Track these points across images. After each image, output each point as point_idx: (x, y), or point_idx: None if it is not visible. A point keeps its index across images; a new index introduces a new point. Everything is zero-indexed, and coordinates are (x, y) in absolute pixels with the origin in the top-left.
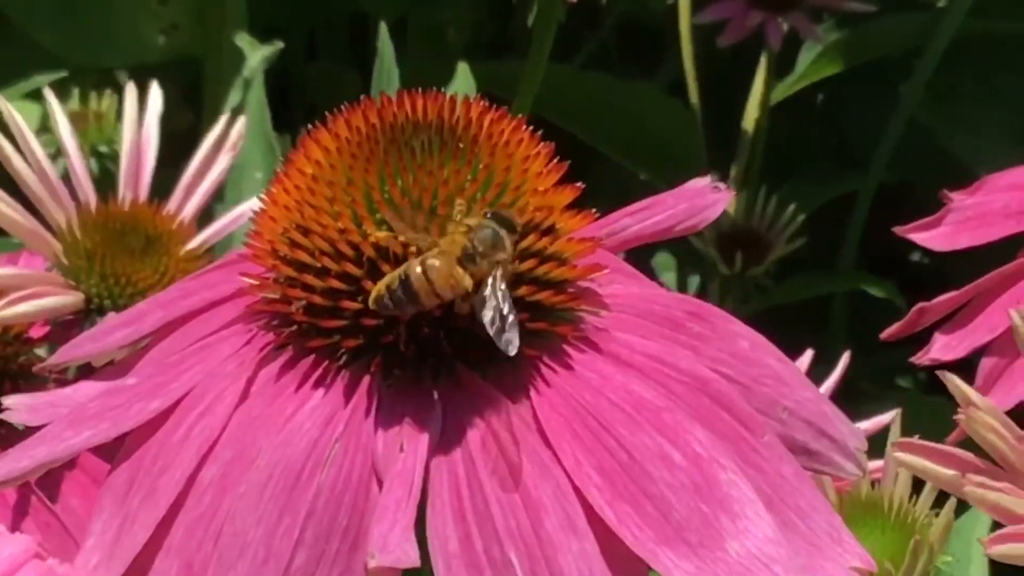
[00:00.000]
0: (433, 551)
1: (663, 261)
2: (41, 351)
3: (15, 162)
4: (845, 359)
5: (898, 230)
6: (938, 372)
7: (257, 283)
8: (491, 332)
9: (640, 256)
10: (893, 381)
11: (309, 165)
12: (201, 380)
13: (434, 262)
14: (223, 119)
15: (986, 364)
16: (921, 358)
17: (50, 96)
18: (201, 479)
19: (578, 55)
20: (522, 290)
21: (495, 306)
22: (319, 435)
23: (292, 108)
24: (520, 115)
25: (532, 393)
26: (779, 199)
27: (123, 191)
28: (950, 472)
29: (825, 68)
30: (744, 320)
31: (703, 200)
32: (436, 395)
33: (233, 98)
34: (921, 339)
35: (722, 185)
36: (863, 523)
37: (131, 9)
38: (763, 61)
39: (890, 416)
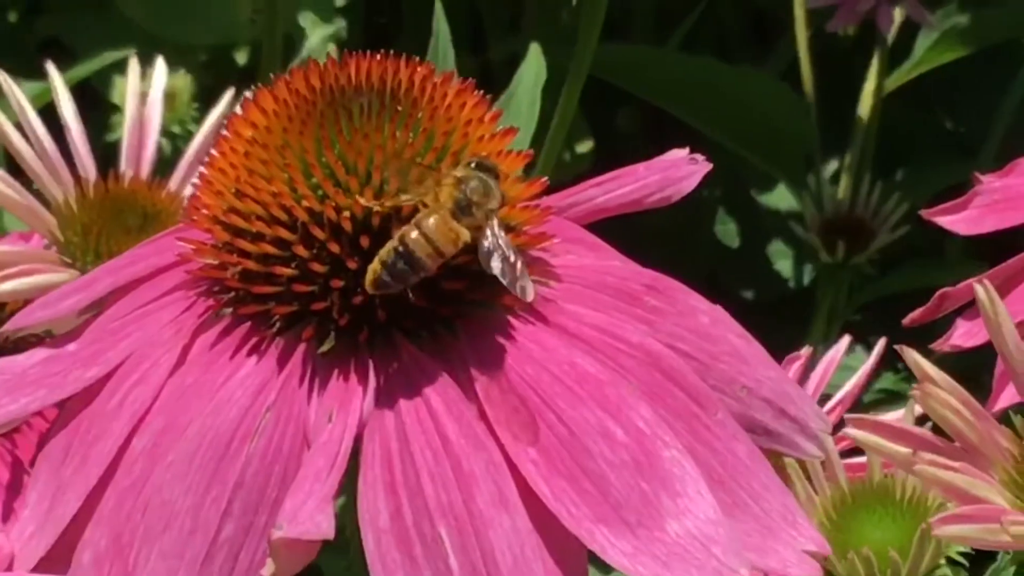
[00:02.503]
0: (363, 525)
1: (778, 250)
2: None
3: (13, 139)
4: (879, 347)
5: (924, 213)
6: (896, 347)
7: (196, 249)
8: (504, 282)
9: (756, 244)
10: None
11: (248, 128)
12: (138, 347)
13: (429, 221)
14: (226, 97)
15: None
16: (942, 345)
17: (52, 71)
18: (133, 448)
19: (693, 38)
20: (461, 258)
21: (502, 255)
22: (250, 404)
23: None
24: (572, 95)
25: (470, 365)
26: (891, 187)
27: (124, 167)
28: (904, 450)
29: (944, 54)
30: (855, 308)
31: (677, 171)
32: (371, 365)
33: None
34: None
35: (699, 157)
36: (873, 510)
37: None
38: (877, 47)
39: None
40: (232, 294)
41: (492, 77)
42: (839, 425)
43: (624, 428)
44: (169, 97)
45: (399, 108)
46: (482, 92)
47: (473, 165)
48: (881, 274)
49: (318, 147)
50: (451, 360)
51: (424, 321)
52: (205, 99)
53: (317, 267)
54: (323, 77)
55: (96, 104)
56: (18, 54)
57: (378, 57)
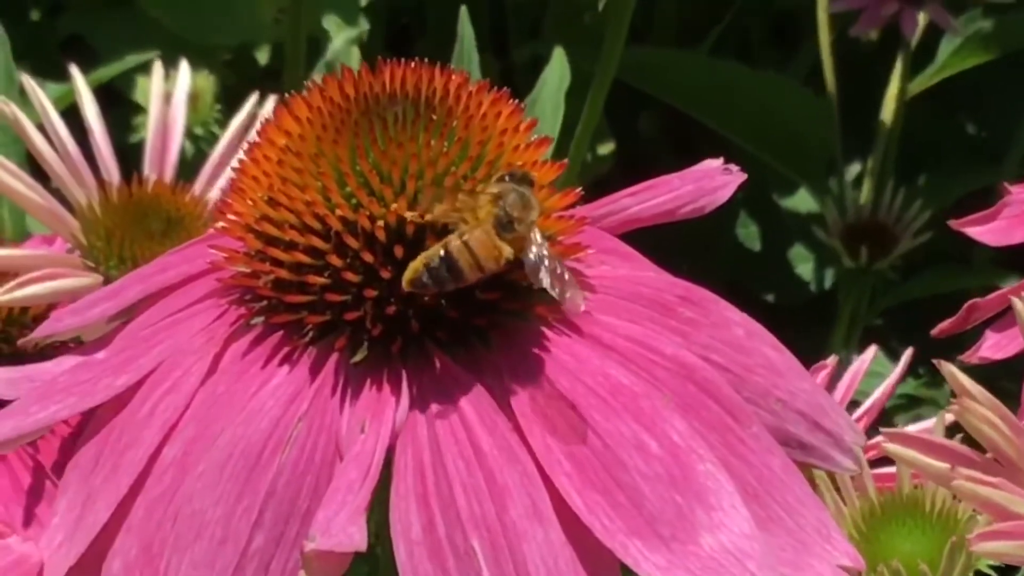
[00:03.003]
0: (395, 536)
1: (799, 253)
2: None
3: (36, 141)
4: (906, 357)
5: (953, 224)
6: (934, 361)
7: (227, 257)
8: (554, 294)
9: (776, 246)
10: None
11: (281, 136)
12: (170, 355)
13: (475, 234)
14: (250, 101)
15: None
16: (971, 356)
17: (76, 74)
18: (163, 457)
19: (716, 41)
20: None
21: (548, 267)
22: (282, 414)
23: None
24: (598, 100)
25: (504, 375)
26: (913, 192)
27: (148, 171)
28: (940, 465)
29: (967, 59)
30: (879, 314)
31: (711, 182)
32: (405, 375)
33: None
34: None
35: (733, 167)
36: (903, 522)
37: None
38: (901, 52)
39: (928, 424)
40: (264, 303)
41: (514, 79)
42: (866, 434)
43: (658, 441)
44: (192, 99)
45: (434, 117)
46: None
47: (507, 178)
48: (903, 279)
49: (352, 156)
50: (485, 371)
51: (458, 332)
52: (227, 99)
53: (350, 276)
54: (357, 85)
55: (117, 102)
56: (40, 53)
57: (412, 65)
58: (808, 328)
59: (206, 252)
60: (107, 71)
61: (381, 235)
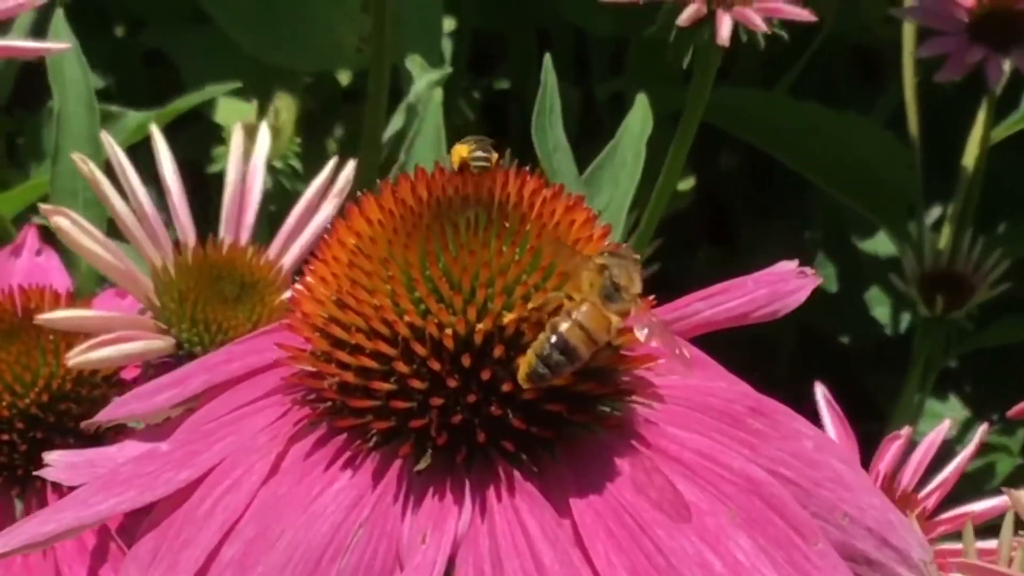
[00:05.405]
0: None
1: (875, 296)
2: None
3: (114, 202)
4: (982, 431)
5: None
6: None
7: (293, 355)
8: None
9: (853, 288)
10: None
11: (351, 236)
12: (232, 452)
13: (584, 309)
14: (331, 163)
15: None
16: None
17: (157, 135)
18: (222, 557)
19: (798, 79)
20: (561, 380)
21: (659, 334)
22: (343, 518)
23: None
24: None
25: (568, 487)
26: (993, 239)
27: (224, 233)
28: None
29: None
30: (948, 362)
31: (786, 286)
32: (468, 485)
33: (394, 124)
34: None
35: (808, 270)
36: None
37: (329, 14)
38: (985, 98)
39: (1000, 500)
40: (329, 404)
41: (594, 109)
42: (938, 509)
43: (722, 559)
44: (272, 131)
45: (507, 224)
46: (585, 126)
47: (608, 253)
48: (979, 325)
49: (423, 261)
50: (548, 482)
51: (523, 443)
52: (307, 123)
53: (417, 384)
54: (430, 187)
55: (195, 120)
56: (124, 68)
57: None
58: (883, 371)
59: (272, 345)
60: (188, 100)
61: (449, 343)
